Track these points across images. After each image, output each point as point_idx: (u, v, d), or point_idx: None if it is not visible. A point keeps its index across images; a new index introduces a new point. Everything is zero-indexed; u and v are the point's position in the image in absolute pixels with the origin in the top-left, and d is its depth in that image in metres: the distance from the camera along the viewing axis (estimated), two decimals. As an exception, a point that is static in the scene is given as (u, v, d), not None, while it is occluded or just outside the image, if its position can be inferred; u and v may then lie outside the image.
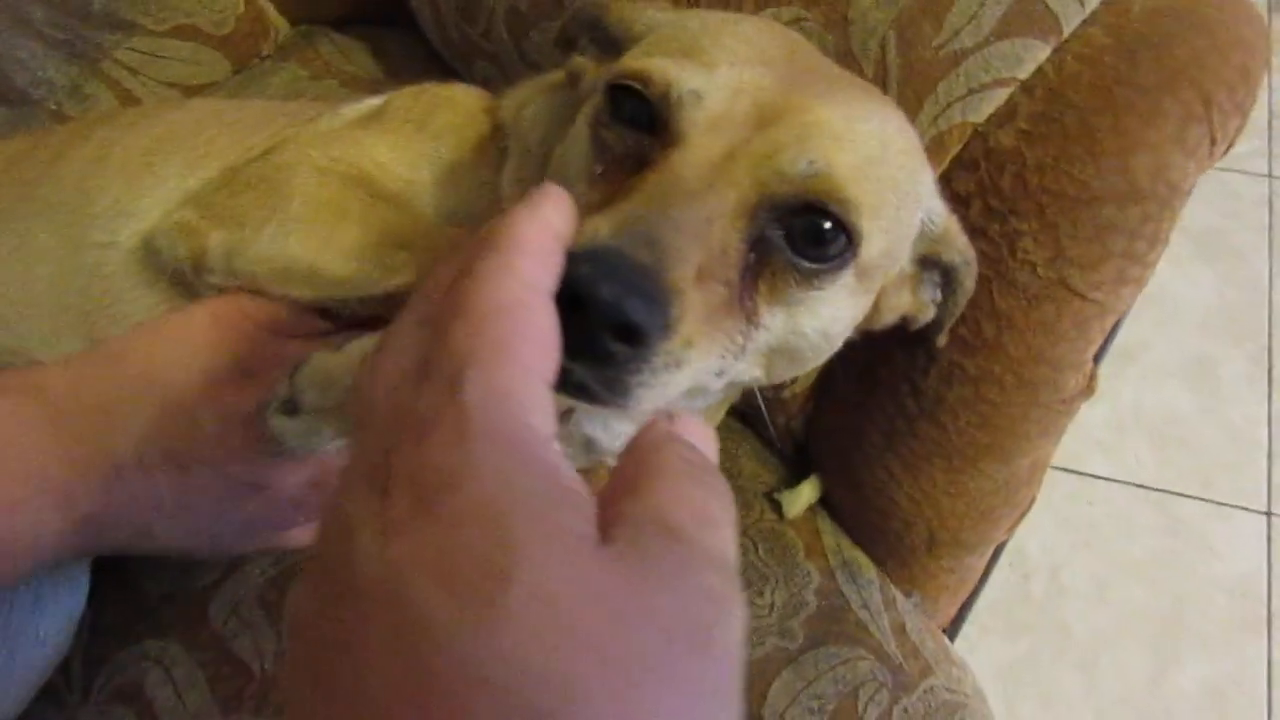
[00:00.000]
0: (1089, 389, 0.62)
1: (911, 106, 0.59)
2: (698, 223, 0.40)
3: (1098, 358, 0.65)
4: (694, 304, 0.38)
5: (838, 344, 0.49)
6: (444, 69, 0.98)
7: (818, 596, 0.70)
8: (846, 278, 0.45)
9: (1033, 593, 1.47)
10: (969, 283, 0.55)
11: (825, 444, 0.72)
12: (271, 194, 0.54)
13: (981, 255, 0.57)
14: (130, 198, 0.60)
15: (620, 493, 0.29)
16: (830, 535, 0.73)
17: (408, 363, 0.30)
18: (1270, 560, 1.47)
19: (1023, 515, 0.70)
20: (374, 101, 0.68)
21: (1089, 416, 1.62)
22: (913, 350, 0.62)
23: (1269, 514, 1.51)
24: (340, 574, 0.26)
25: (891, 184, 0.46)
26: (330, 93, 1.00)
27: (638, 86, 0.44)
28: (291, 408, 0.46)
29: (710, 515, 0.28)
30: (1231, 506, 1.52)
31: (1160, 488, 1.55)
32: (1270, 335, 1.69)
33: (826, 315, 0.46)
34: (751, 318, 0.43)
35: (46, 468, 0.49)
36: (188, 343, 0.52)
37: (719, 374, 0.43)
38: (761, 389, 0.73)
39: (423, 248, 0.51)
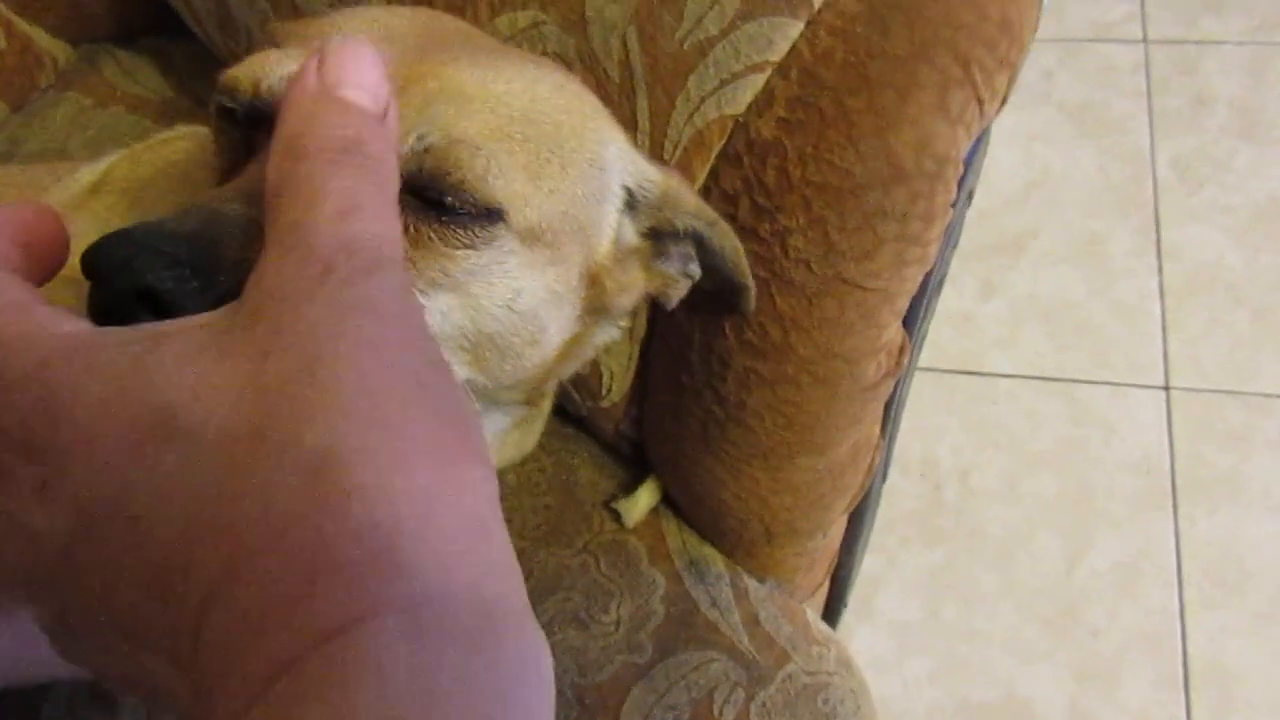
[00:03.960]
0: (897, 366, 0.60)
1: (664, 106, 0.55)
2: None
3: (911, 324, 0.63)
4: None
5: (543, 325, 0.46)
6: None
7: (665, 603, 0.69)
8: (506, 242, 0.42)
9: (946, 500, 1.49)
10: (727, 242, 0.51)
11: (654, 448, 0.70)
12: None
13: (755, 257, 0.54)
14: None
15: (271, 215, 0.28)
16: (675, 535, 0.72)
17: None
18: (1171, 434, 1.49)
19: (862, 490, 0.69)
20: (113, 158, 0.64)
21: (985, 315, 1.63)
22: (708, 356, 0.59)
23: (1167, 388, 1.53)
24: (49, 550, 0.25)
25: (548, 142, 0.43)
26: (117, 120, 0.93)
27: (228, 103, 0.41)
28: None
29: (351, 208, 0.27)
30: (1130, 385, 1.54)
31: (1061, 377, 1.56)
32: (1156, 204, 1.68)
33: (503, 287, 0.43)
34: None
35: None
36: None
37: None
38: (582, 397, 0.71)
39: None
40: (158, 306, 0.31)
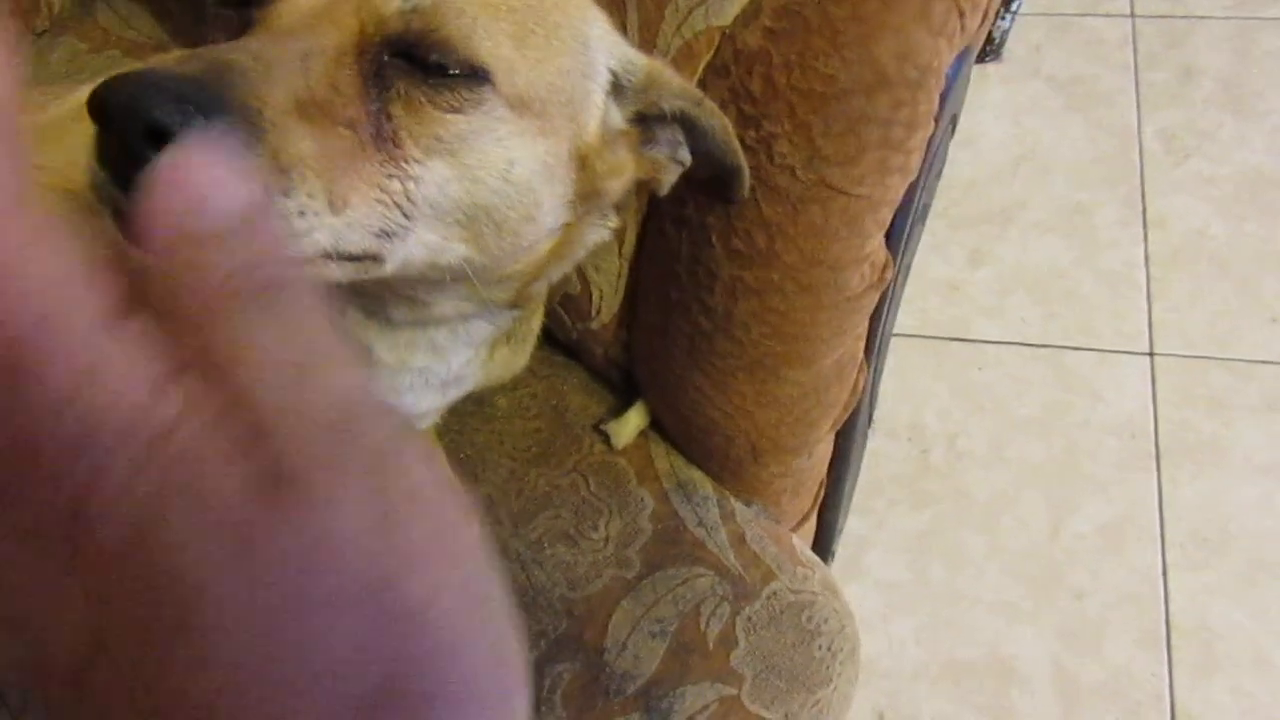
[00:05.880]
0: (880, 279, 0.61)
1: (653, 17, 0.57)
2: (288, 56, 0.38)
3: (895, 244, 0.65)
4: (289, 133, 0.36)
5: (538, 199, 0.47)
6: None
7: (653, 521, 0.70)
8: (495, 108, 0.43)
9: (933, 463, 1.51)
10: (715, 120, 0.52)
11: (643, 368, 0.71)
12: None
13: (742, 164, 0.56)
14: None
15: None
16: (664, 458, 0.73)
17: None
18: (1155, 399, 1.51)
19: (846, 410, 0.70)
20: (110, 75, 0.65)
21: (972, 283, 1.64)
22: (696, 268, 0.60)
23: (1151, 354, 1.55)
24: None
25: (533, 13, 0.45)
26: (112, 65, 0.94)
27: None
28: None
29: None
30: (1116, 352, 1.55)
31: (1047, 343, 1.58)
32: (1142, 175, 1.70)
33: (497, 154, 0.44)
34: (397, 154, 0.41)
35: None
36: None
37: (384, 233, 0.41)
38: (572, 320, 0.72)
39: None
40: (166, 144, 0.32)
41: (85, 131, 0.58)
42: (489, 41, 0.42)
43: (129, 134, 0.32)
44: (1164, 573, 1.39)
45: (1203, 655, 1.34)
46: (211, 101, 0.33)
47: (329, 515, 0.20)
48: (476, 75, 0.42)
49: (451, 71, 0.41)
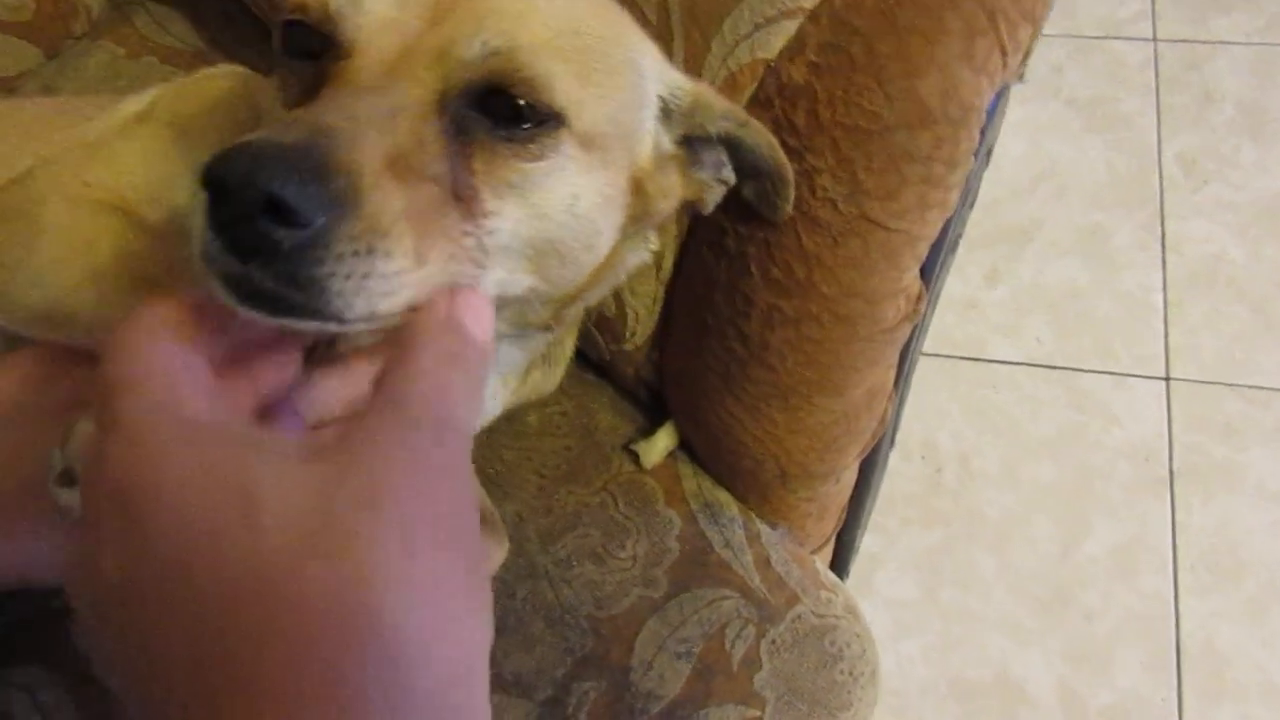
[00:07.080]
0: (914, 313, 0.62)
1: (699, 49, 0.57)
2: (377, 113, 0.39)
3: (929, 275, 0.65)
4: (387, 193, 0.37)
5: (599, 228, 0.48)
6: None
7: (680, 542, 0.70)
8: (567, 148, 0.44)
9: (945, 483, 1.51)
10: (761, 139, 0.53)
11: (674, 390, 0.72)
12: (26, 229, 0.51)
13: (784, 196, 0.56)
14: None
15: (378, 380, 0.34)
16: (691, 479, 0.73)
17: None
18: (1170, 423, 1.51)
19: (875, 438, 0.71)
20: (157, 90, 0.66)
21: (989, 302, 1.65)
22: (733, 294, 0.61)
23: (1167, 379, 1.55)
24: (110, 590, 0.30)
25: (593, 52, 0.46)
26: (149, 71, 0.95)
27: (299, 17, 0.43)
28: (69, 479, 0.44)
29: (446, 387, 0.33)
30: (1131, 375, 1.56)
31: (1062, 365, 1.58)
32: (1161, 198, 1.70)
33: (563, 192, 0.45)
34: (475, 207, 0.42)
35: None
36: None
37: (456, 282, 0.42)
38: (603, 334, 0.72)
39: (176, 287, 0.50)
40: (281, 214, 0.33)
41: (135, 150, 0.59)
42: (562, 84, 0.43)
43: (248, 205, 0.33)
44: (1175, 597, 1.40)
45: (1212, 680, 1.34)
46: (319, 169, 0.34)
47: None
48: (552, 119, 0.43)
49: (527, 123, 0.42)
